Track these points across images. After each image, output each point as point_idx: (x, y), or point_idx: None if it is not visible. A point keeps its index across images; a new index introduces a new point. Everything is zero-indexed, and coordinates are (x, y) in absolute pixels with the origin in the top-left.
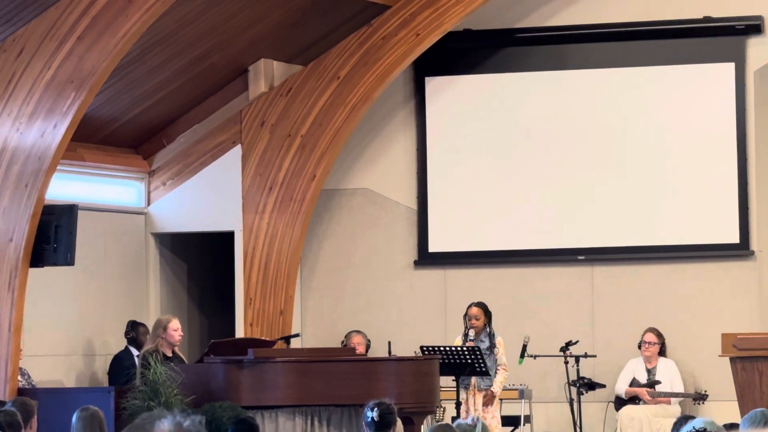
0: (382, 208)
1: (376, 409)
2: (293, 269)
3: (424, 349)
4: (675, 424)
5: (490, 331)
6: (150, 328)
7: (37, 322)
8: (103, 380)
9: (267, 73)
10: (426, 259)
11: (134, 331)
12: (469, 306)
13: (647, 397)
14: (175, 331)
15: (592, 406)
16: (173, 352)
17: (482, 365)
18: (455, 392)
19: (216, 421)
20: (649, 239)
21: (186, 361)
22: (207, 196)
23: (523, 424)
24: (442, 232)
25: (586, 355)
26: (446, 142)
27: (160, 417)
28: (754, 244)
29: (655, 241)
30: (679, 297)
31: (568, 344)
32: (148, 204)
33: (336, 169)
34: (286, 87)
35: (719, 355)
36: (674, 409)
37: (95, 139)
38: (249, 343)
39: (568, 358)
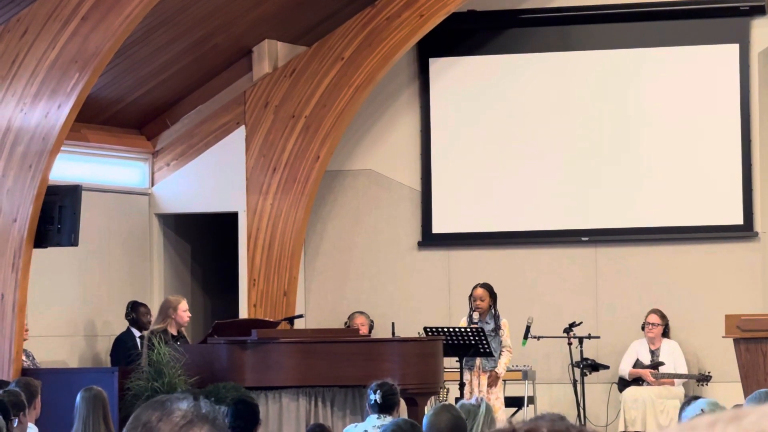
0: (385, 189)
1: (378, 391)
2: (297, 250)
3: (428, 330)
4: (683, 405)
5: (496, 313)
6: (152, 308)
7: (41, 303)
8: (106, 361)
9: (271, 54)
10: (430, 240)
11: (135, 311)
12: (474, 287)
13: (651, 379)
14: (185, 312)
15: (596, 387)
16: (179, 332)
17: (486, 346)
18: (459, 373)
19: (219, 402)
20: (652, 220)
21: (190, 341)
22: (211, 177)
23: (527, 405)
24: (445, 213)
25: (589, 337)
26: (450, 123)
27: (181, 398)
28: (758, 226)
29: (658, 222)
30: (682, 278)
31: (572, 325)
32: (152, 185)
33: (340, 150)
34: (290, 68)
35: (723, 336)
36: (678, 391)
37: (99, 119)
38: (253, 323)
39: (572, 340)
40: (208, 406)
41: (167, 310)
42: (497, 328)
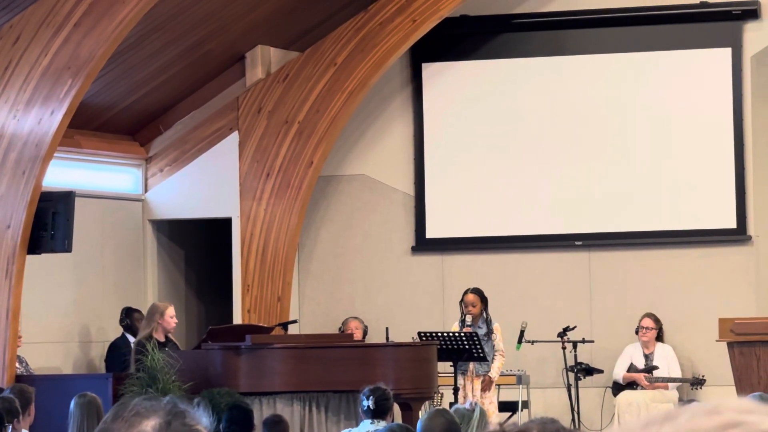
0: (379, 194)
1: (371, 396)
2: (291, 256)
3: (422, 335)
4: None
5: (487, 317)
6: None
7: (35, 309)
8: (101, 367)
9: (264, 60)
10: (423, 245)
11: (129, 317)
12: (465, 292)
13: (645, 383)
14: (172, 318)
15: (590, 391)
16: (167, 337)
17: (480, 351)
18: (453, 378)
19: (214, 408)
20: (646, 224)
21: (180, 346)
22: (204, 183)
23: (521, 410)
24: (439, 218)
25: (583, 341)
26: (443, 128)
27: (149, 414)
28: (751, 230)
29: (652, 226)
30: (676, 282)
31: (566, 330)
32: (146, 191)
33: (333, 156)
34: (283, 73)
35: (717, 340)
36: (672, 395)
37: (92, 125)
38: (247, 329)
39: (566, 344)
40: (179, 425)
41: (153, 315)
42: (489, 332)
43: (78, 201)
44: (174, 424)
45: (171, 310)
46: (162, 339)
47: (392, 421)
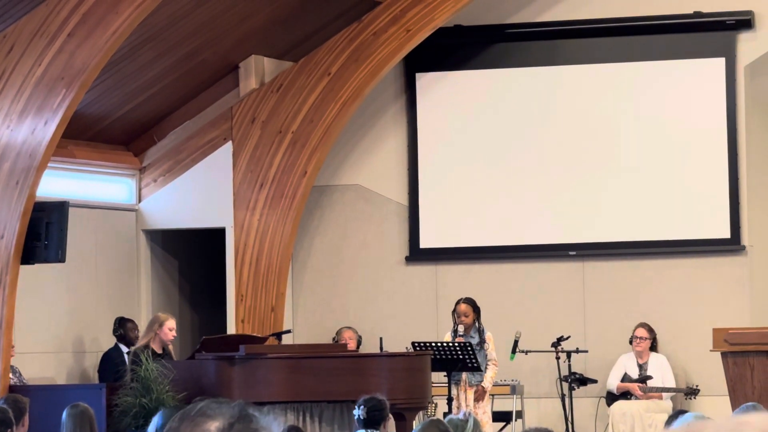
0: (373, 204)
1: (362, 407)
2: (284, 265)
3: (416, 344)
4: (669, 419)
5: (480, 327)
6: (139, 324)
7: (28, 319)
8: (94, 377)
9: (258, 70)
10: (417, 254)
11: (122, 327)
12: (458, 302)
13: (639, 393)
14: (171, 330)
15: (584, 401)
16: (164, 349)
17: (473, 361)
18: (447, 388)
19: None
20: (640, 234)
21: (176, 358)
22: (198, 193)
23: (515, 420)
24: (433, 228)
25: (577, 351)
26: (437, 138)
27: (215, 416)
28: (745, 239)
29: (646, 236)
30: (670, 292)
31: (560, 339)
32: (139, 201)
33: (327, 166)
34: (277, 83)
35: (711, 350)
36: (666, 404)
37: (86, 136)
38: (240, 339)
39: (560, 354)
40: (242, 427)
41: (153, 325)
42: (482, 341)
43: (72, 211)
44: (237, 427)
45: (171, 323)
46: (159, 350)
47: (386, 431)
